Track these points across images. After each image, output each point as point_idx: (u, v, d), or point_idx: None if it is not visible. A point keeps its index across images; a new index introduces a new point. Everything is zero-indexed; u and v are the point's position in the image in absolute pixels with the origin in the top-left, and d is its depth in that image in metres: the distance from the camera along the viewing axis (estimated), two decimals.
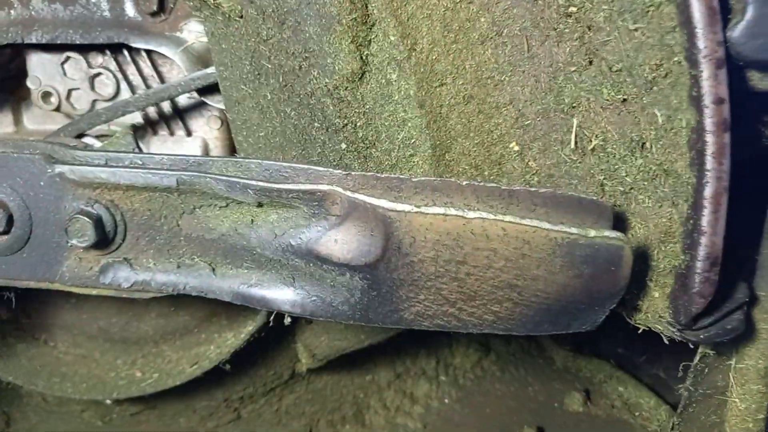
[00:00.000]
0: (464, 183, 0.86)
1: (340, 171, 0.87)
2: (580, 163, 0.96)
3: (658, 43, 0.78)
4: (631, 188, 0.90)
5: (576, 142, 0.95)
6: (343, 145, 1.06)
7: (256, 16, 0.99)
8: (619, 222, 0.90)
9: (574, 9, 0.88)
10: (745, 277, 1.01)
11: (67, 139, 1.10)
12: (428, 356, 1.70)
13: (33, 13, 1.16)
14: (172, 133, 1.27)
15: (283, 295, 0.90)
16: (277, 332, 1.27)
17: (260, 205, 0.89)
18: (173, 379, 1.25)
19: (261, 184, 0.85)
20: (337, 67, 1.00)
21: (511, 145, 1.02)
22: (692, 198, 0.79)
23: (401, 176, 0.87)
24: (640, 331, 0.97)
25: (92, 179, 0.89)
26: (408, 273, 0.84)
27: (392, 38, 0.99)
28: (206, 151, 1.26)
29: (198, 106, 1.25)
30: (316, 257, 0.87)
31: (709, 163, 0.78)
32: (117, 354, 1.36)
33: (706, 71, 0.76)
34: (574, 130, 0.95)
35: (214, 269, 0.93)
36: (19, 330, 1.36)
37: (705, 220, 0.78)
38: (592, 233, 0.81)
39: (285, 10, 0.98)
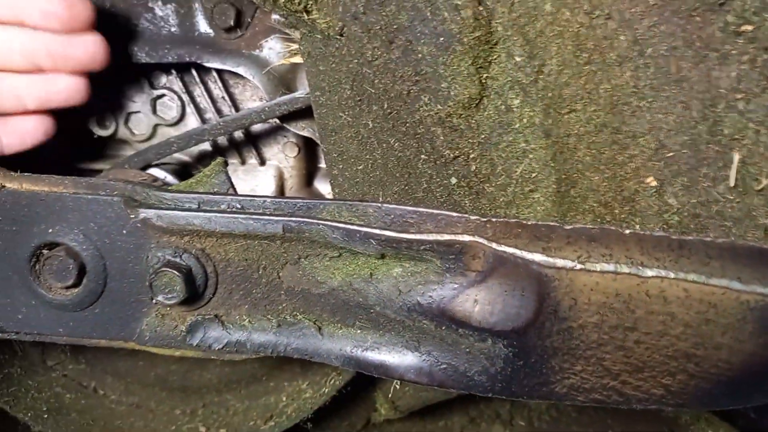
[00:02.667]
0: (627, 232, 0.73)
1: (477, 217, 0.74)
2: (737, 202, 0.84)
3: None
4: None
5: (736, 180, 0.82)
6: (453, 180, 0.93)
7: (360, 35, 0.86)
8: None
9: (748, 28, 0.76)
10: None
11: (137, 173, 0.96)
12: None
13: None
14: (243, 162, 1.13)
15: (406, 361, 0.77)
16: (357, 380, 1.14)
17: (382, 256, 0.75)
18: None
19: (388, 233, 0.72)
20: (452, 92, 0.87)
21: (647, 180, 0.89)
22: None
23: (550, 223, 0.74)
24: None
25: (183, 226, 0.76)
26: (564, 340, 0.71)
27: (518, 59, 0.86)
28: (281, 182, 1.13)
29: (272, 132, 1.12)
30: (450, 319, 0.74)
31: None
32: (174, 403, 1.23)
33: None
34: (734, 165, 0.82)
35: (320, 328, 0.80)
36: (66, 378, 1.22)
37: None
38: None
39: (395, 27, 0.85)
